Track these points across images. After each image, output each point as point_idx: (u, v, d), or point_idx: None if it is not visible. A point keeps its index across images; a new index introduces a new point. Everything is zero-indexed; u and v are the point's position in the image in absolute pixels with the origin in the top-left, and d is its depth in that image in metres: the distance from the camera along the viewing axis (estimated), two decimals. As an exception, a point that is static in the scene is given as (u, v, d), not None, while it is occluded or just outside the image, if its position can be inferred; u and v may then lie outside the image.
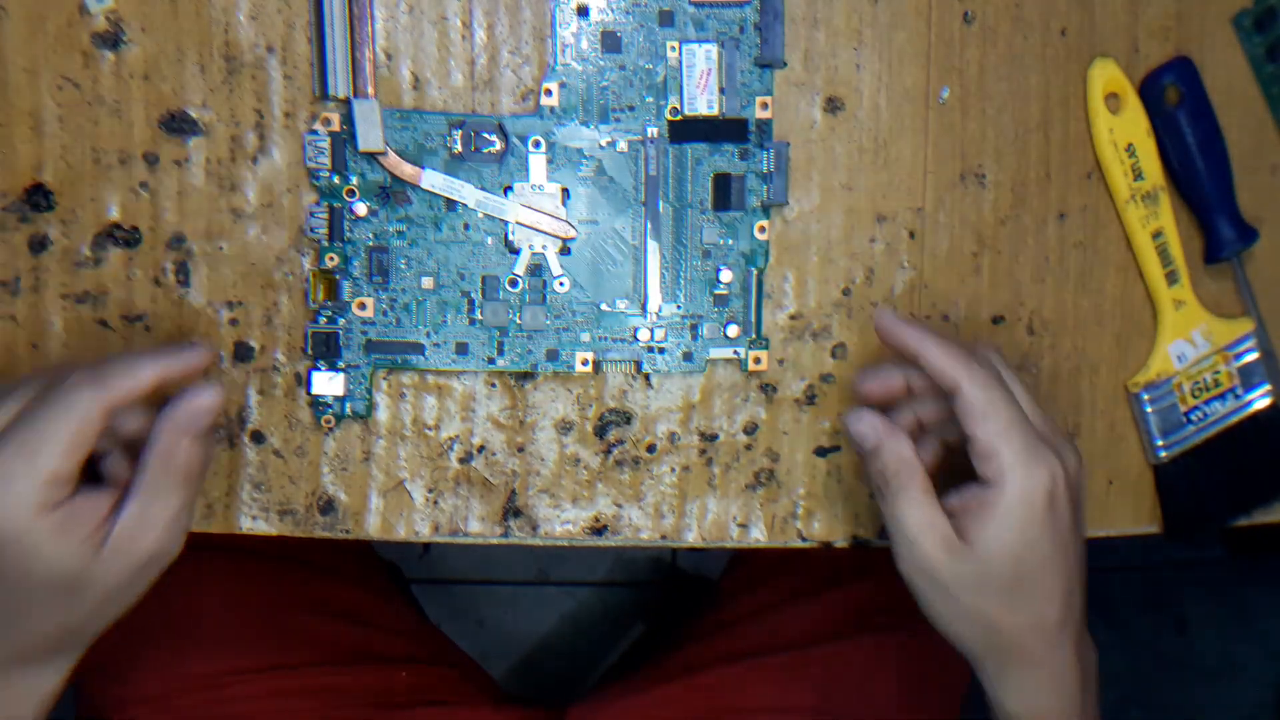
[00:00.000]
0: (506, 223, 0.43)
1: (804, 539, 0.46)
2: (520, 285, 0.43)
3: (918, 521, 0.38)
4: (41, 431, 0.33)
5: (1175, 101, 0.44)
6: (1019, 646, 0.38)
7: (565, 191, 0.43)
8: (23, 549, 0.33)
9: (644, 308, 0.44)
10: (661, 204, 0.43)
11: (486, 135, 0.42)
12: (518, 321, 0.43)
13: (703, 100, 0.43)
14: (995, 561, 0.37)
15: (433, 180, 0.42)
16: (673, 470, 0.45)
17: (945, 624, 0.39)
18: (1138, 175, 0.45)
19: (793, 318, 0.45)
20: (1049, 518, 0.36)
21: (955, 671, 0.65)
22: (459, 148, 0.42)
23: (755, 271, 0.44)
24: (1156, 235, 0.45)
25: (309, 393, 0.43)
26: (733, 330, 0.44)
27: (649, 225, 0.43)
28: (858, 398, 0.41)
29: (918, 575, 0.38)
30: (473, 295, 0.43)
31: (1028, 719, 0.39)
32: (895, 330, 0.39)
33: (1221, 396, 0.47)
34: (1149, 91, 0.44)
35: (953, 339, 0.39)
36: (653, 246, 0.43)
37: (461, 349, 0.43)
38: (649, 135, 0.43)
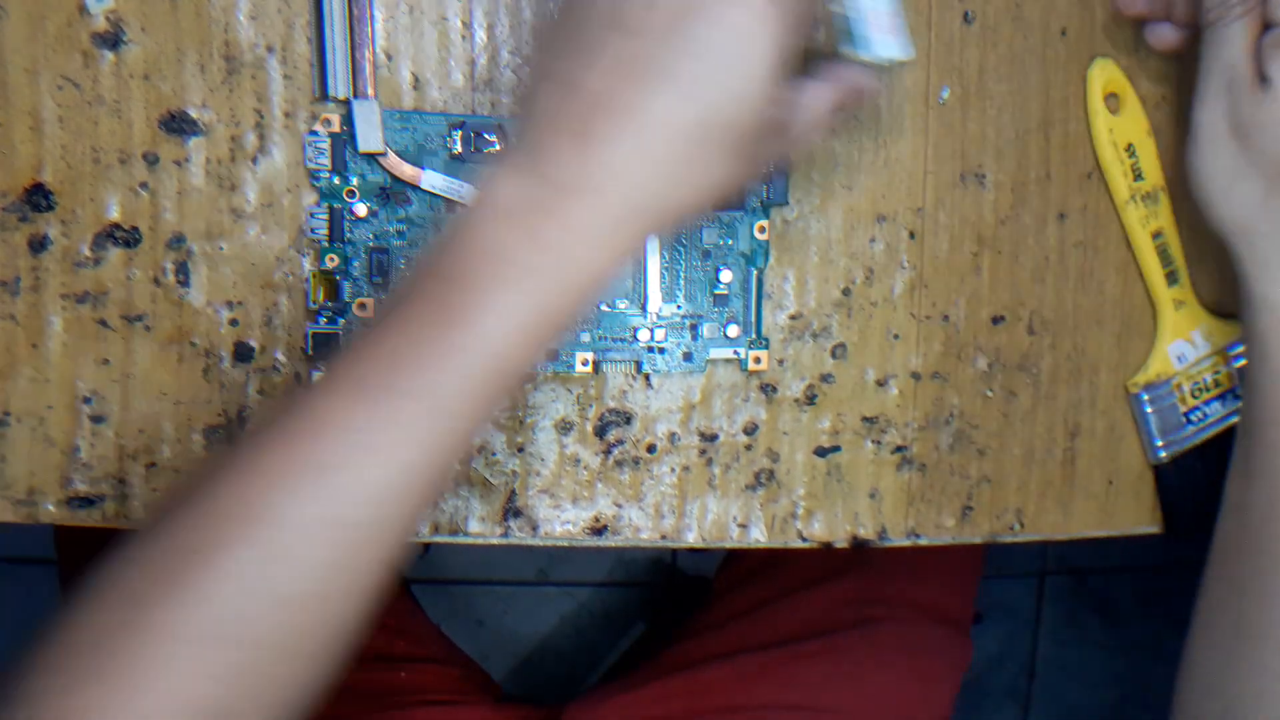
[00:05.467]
0: (506, 223, 0.43)
1: (804, 539, 0.46)
2: (520, 285, 0.43)
3: (1234, 53, 0.39)
4: None
5: None
6: None
7: (565, 192, 0.43)
8: (752, 54, 0.31)
9: (644, 308, 0.44)
10: (661, 204, 0.43)
11: (487, 136, 0.42)
12: (518, 322, 0.43)
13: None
14: None
15: (433, 181, 0.42)
16: (673, 470, 0.45)
17: (1222, 193, 0.41)
18: (1138, 175, 0.45)
19: (793, 318, 0.45)
20: None
21: (949, 662, 0.65)
22: (459, 148, 0.42)
23: (755, 271, 0.44)
24: (1156, 235, 0.45)
25: (309, 393, 0.43)
26: (733, 330, 0.44)
27: (649, 225, 0.43)
28: None
29: (1216, 120, 0.40)
30: (473, 295, 0.43)
31: None
32: None
33: (1221, 397, 0.47)
34: None
35: None
36: (652, 246, 0.43)
37: (461, 349, 0.43)
38: (649, 135, 0.43)
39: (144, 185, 0.42)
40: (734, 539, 0.46)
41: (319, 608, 0.31)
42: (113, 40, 0.41)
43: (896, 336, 0.45)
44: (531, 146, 0.32)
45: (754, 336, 0.44)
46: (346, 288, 0.43)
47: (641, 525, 0.45)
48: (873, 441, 0.46)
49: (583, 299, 0.33)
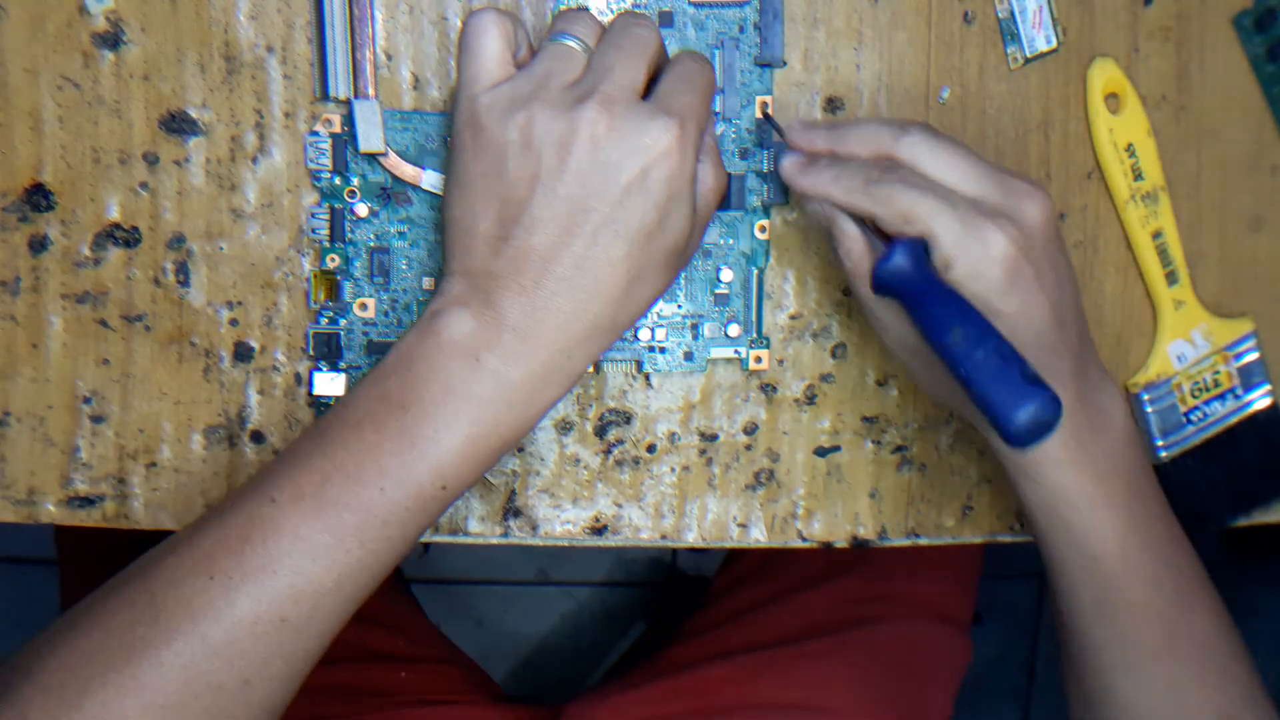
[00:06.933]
0: (507, 223, 0.43)
1: (804, 539, 0.46)
2: (520, 285, 0.43)
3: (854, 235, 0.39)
4: (628, 50, 0.36)
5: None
6: None
7: (565, 191, 0.43)
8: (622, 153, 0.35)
9: (644, 308, 0.44)
10: (662, 204, 0.43)
11: (487, 135, 0.42)
12: (518, 321, 0.43)
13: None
14: None
15: (433, 181, 0.42)
16: (673, 470, 0.45)
17: (936, 398, 0.42)
18: (1138, 175, 0.45)
19: (793, 317, 0.45)
20: (1009, 281, 0.36)
21: (949, 662, 0.65)
22: (459, 148, 0.42)
23: (756, 271, 0.44)
24: (1156, 235, 0.45)
25: (310, 393, 0.43)
26: (733, 330, 0.44)
27: (649, 225, 0.43)
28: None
29: (900, 350, 0.40)
30: (473, 295, 0.43)
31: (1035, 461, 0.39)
32: (809, 141, 0.40)
33: (1221, 397, 0.47)
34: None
35: (866, 128, 0.39)
36: (653, 246, 0.43)
37: (462, 349, 0.43)
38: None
39: (144, 185, 0.42)
40: (734, 539, 0.46)
41: (248, 692, 0.34)
42: (113, 40, 0.41)
43: (896, 336, 0.45)
44: (483, 294, 0.35)
45: (755, 336, 0.45)
46: (347, 288, 0.43)
47: (641, 525, 0.45)
48: (873, 441, 0.46)
49: (529, 423, 0.36)
